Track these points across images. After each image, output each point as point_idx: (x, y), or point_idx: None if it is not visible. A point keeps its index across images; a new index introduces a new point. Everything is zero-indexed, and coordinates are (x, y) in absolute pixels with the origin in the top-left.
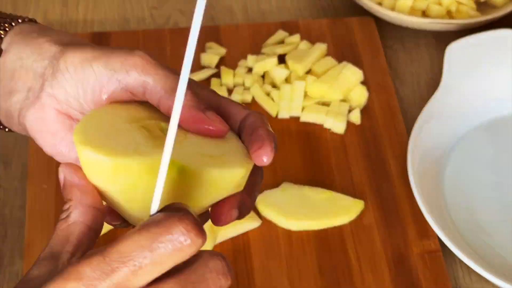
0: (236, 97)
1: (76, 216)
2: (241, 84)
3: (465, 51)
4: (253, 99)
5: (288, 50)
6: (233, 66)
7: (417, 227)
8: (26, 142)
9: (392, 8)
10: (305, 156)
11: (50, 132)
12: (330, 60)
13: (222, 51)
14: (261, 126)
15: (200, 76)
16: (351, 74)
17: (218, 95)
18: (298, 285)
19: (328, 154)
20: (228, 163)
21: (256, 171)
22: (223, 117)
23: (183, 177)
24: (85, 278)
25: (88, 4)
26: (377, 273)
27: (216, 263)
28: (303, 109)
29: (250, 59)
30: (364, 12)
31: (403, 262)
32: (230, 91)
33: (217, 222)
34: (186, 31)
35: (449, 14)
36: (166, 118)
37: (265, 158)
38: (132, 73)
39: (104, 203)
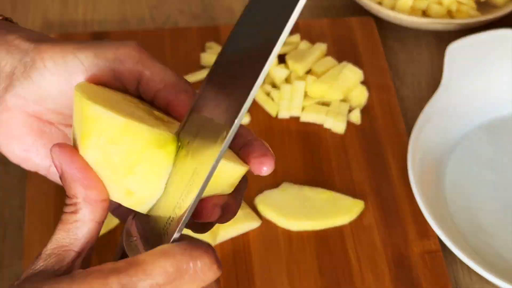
0: None
1: (86, 214)
2: None
3: (465, 51)
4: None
5: (288, 50)
6: None
7: (417, 227)
8: None
9: (392, 8)
10: (305, 156)
11: (15, 137)
12: (330, 60)
13: None
14: (258, 139)
15: (199, 76)
16: (351, 74)
17: None
18: (298, 285)
19: (328, 154)
20: (230, 159)
21: (243, 178)
22: None
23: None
24: None
25: (88, 4)
26: (377, 273)
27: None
28: (303, 109)
29: None
30: (364, 12)
31: (403, 262)
32: None
33: (198, 217)
34: (185, 31)
35: (449, 14)
36: (159, 109)
37: (265, 167)
38: (127, 63)
39: None
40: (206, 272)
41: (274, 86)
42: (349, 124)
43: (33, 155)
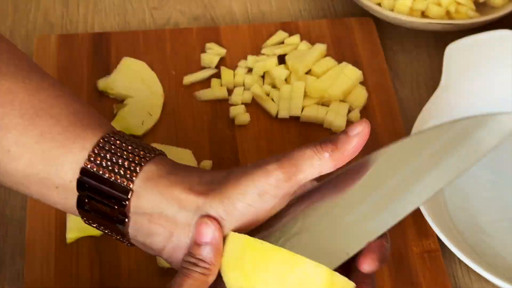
0: (236, 97)
1: (211, 280)
2: (241, 84)
3: (464, 51)
4: (253, 99)
5: (288, 51)
6: (233, 66)
7: (417, 227)
8: None
9: (392, 9)
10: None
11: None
12: (330, 61)
13: (222, 51)
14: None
15: (200, 76)
16: (351, 74)
17: None
18: None
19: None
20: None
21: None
22: None
23: None
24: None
25: (89, 4)
26: (376, 273)
27: None
28: (303, 109)
29: (250, 60)
30: (363, 13)
31: (403, 262)
32: (230, 91)
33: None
34: (186, 32)
35: (448, 15)
36: None
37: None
38: (283, 185)
39: None
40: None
41: (274, 86)
42: (349, 124)
43: None
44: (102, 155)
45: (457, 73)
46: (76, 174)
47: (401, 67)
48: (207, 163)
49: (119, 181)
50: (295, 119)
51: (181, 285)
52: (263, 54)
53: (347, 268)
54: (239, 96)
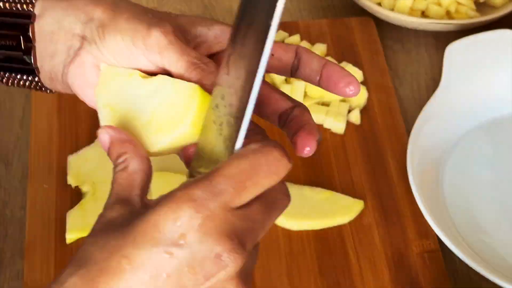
0: None
1: (135, 166)
2: None
3: (464, 51)
4: None
5: None
6: None
7: (417, 227)
8: (26, 142)
9: (392, 9)
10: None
11: (91, 87)
12: (330, 60)
13: None
14: (311, 121)
15: None
16: None
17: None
18: (298, 285)
19: (328, 154)
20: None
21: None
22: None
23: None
24: (198, 200)
25: None
26: (376, 273)
27: (283, 186)
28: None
29: None
30: (364, 13)
31: (403, 261)
32: None
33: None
34: None
35: (448, 15)
36: None
37: (308, 148)
38: (152, 53)
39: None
40: (278, 165)
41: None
42: (349, 124)
43: None
44: None
45: (457, 73)
46: None
47: (401, 66)
48: None
49: (20, 8)
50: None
51: (110, 193)
52: None
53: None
54: None
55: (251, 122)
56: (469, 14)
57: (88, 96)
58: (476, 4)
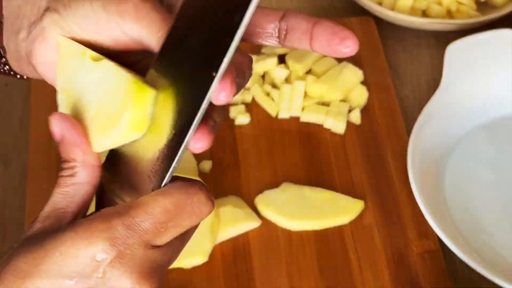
0: (236, 97)
1: (83, 177)
2: None
3: (465, 51)
4: (253, 99)
5: (288, 50)
6: None
7: (417, 227)
8: (26, 142)
9: (392, 8)
10: (305, 156)
11: (52, 63)
12: (330, 60)
13: None
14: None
15: None
16: (351, 74)
17: None
18: (298, 285)
19: (328, 154)
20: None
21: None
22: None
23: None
24: (118, 237)
25: None
26: (377, 273)
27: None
28: (303, 109)
29: None
30: (364, 12)
31: (403, 261)
32: None
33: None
34: None
35: (449, 14)
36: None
37: (224, 94)
38: (127, 21)
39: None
40: (202, 208)
41: (274, 86)
42: (349, 124)
43: None
44: None
45: (458, 73)
46: None
47: (401, 66)
48: (207, 163)
49: None
50: (295, 119)
51: (48, 200)
52: (263, 54)
53: None
54: (239, 96)
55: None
56: (469, 14)
57: (51, 76)
58: (477, 4)
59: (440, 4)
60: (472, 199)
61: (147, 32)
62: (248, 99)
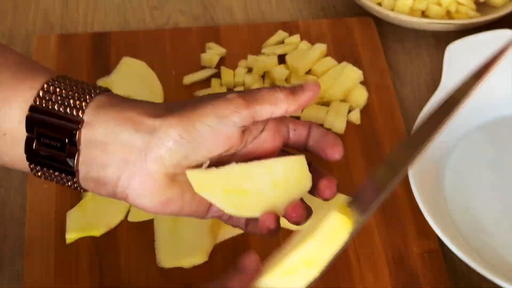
0: None
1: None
2: (241, 84)
3: (465, 51)
4: None
5: (288, 50)
6: (233, 66)
7: (417, 227)
8: None
9: (392, 9)
10: (305, 156)
11: (154, 201)
12: (330, 60)
13: (222, 51)
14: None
15: (200, 76)
16: (351, 74)
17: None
18: None
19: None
20: None
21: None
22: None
23: None
24: None
25: (89, 4)
26: (376, 273)
27: None
28: (303, 109)
29: (250, 59)
30: (364, 12)
31: (403, 261)
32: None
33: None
34: (186, 31)
35: (448, 15)
36: None
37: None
38: (243, 112)
39: None
40: None
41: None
42: (349, 124)
43: (171, 204)
44: (51, 91)
45: (457, 73)
46: (25, 113)
47: (401, 66)
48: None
49: (69, 112)
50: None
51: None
52: (263, 54)
53: None
54: None
55: None
56: (469, 14)
57: (149, 207)
58: (476, 4)
59: (439, 4)
60: (472, 199)
61: (260, 108)
62: None
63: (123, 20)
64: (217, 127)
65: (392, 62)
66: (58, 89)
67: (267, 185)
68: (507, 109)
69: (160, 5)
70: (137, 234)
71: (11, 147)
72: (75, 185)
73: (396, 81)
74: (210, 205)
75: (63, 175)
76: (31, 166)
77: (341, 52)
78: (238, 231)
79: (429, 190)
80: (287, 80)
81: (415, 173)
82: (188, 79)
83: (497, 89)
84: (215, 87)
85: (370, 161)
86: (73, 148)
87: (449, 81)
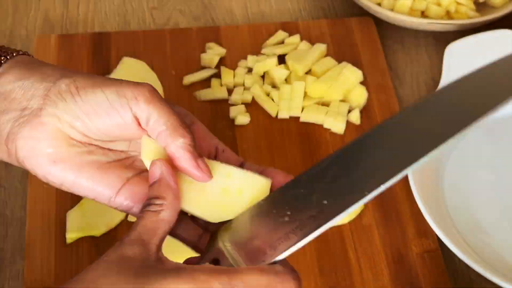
0: (236, 97)
1: (167, 216)
2: (241, 84)
3: (464, 51)
4: (253, 99)
5: (288, 51)
6: (233, 66)
7: (417, 227)
8: None
9: (392, 9)
10: (305, 156)
11: (44, 152)
12: (330, 60)
13: (222, 51)
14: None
15: (200, 76)
16: (351, 74)
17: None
18: None
19: (328, 154)
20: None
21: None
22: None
23: None
24: None
25: (89, 4)
26: (376, 272)
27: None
28: (303, 109)
29: (250, 59)
30: (363, 13)
31: (403, 261)
32: (230, 91)
33: None
34: (186, 32)
35: (448, 15)
36: None
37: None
38: (141, 103)
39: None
40: None
41: (274, 86)
42: (349, 124)
43: (59, 168)
44: None
45: (457, 73)
46: None
47: (401, 66)
48: None
49: None
50: (295, 119)
51: (134, 228)
52: (263, 54)
53: None
54: (239, 96)
55: None
56: (468, 14)
57: (36, 164)
58: (476, 4)
59: (439, 4)
60: (471, 199)
61: (157, 116)
62: (248, 99)
63: (123, 20)
64: (114, 103)
65: (392, 62)
66: None
67: (218, 188)
68: (507, 109)
69: (160, 5)
70: None
71: None
72: None
73: (396, 81)
74: (118, 190)
75: None
76: None
77: (341, 52)
78: None
79: (429, 190)
80: (287, 80)
81: (414, 173)
82: (188, 79)
83: None
84: (215, 87)
85: None
86: None
87: (448, 81)
